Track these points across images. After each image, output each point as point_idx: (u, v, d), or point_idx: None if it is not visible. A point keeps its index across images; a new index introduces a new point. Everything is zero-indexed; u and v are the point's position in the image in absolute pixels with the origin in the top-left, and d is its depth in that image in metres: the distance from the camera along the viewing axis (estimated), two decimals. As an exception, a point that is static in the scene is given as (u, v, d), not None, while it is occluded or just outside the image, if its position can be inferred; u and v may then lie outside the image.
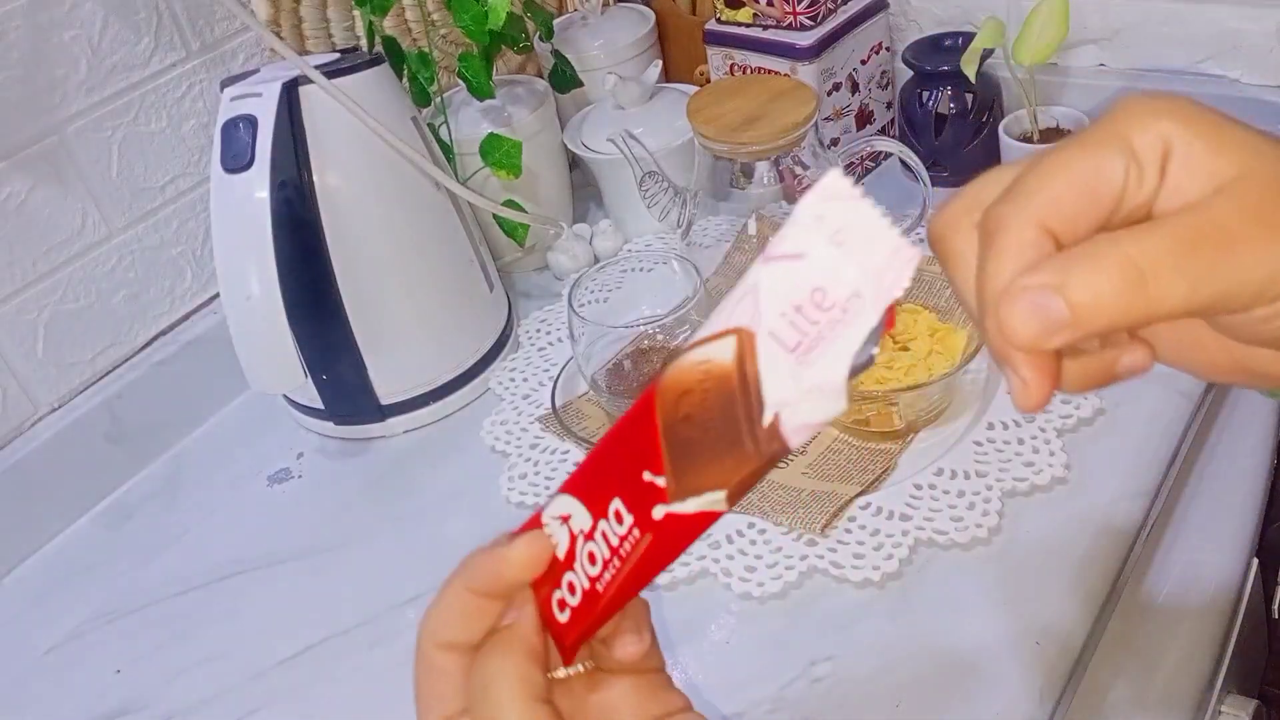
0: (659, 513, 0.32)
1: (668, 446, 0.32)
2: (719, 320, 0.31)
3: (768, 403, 0.30)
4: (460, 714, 0.37)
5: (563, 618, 0.36)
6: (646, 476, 0.32)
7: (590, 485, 0.34)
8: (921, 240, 0.87)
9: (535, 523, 0.36)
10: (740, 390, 0.30)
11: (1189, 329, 0.31)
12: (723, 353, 0.30)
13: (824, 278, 0.29)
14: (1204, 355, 0.32)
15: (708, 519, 0.33)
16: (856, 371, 0.29)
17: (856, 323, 0.28)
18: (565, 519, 0.35)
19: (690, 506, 0.32)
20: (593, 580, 0.34)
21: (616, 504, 0.33)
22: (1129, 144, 0.28)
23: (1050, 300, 0.27)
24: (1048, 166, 0.28)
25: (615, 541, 0.33)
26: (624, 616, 0.36)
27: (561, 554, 0.35)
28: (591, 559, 0.34)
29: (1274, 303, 0.27)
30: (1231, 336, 0.30)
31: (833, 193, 0.29)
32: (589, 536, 0.34)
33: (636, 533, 0.33)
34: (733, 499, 0.32)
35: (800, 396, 0.29)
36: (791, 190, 0.84)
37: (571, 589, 0.35)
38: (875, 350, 0.28)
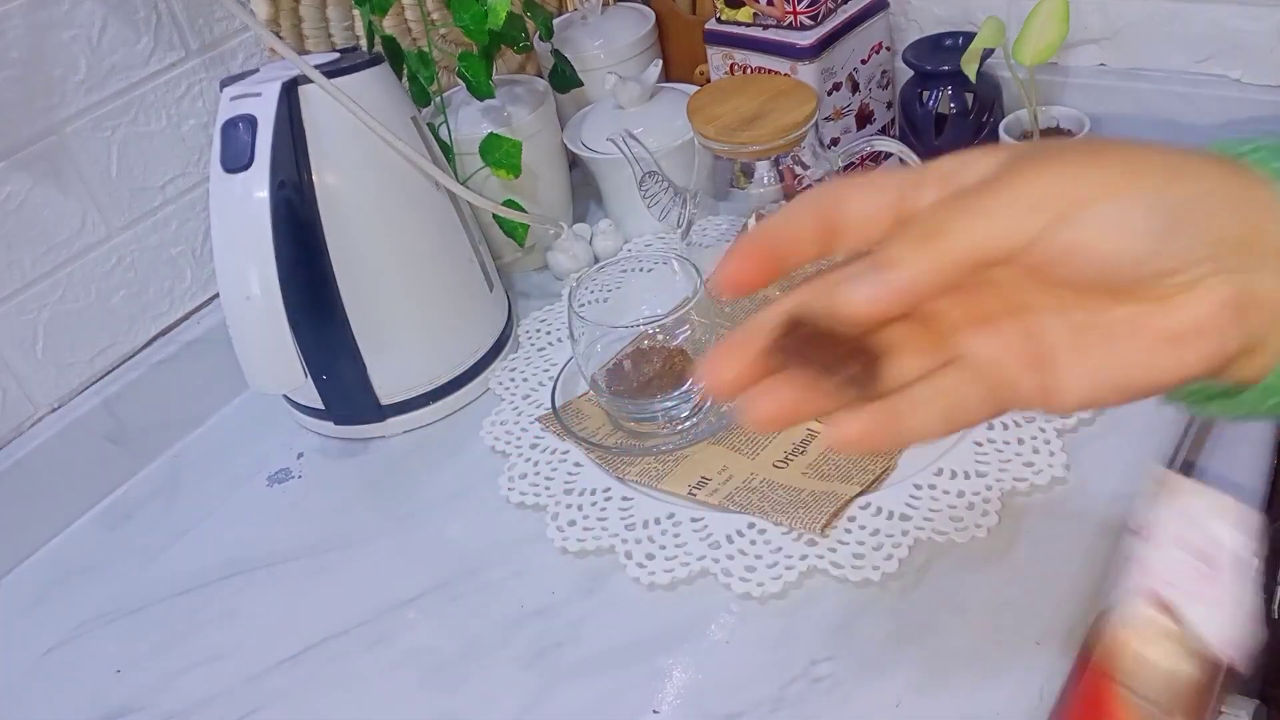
0: None
1: None
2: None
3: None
4: None
5: None
6: None
7: None
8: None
9: None
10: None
11: (1081, 336, 0.34)
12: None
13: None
14: (1120, 348, 0.33)
15: None
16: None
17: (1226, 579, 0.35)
18: None
19: None
20: None
21: None
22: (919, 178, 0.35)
23: (875, 271, 0.32)
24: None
25: None
26: None
27: None
28: None
29: (1065, 219, 0.31)
30: (1085, 279, 0.32)
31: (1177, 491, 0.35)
32: None
33: None
34: None
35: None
36: (791, 190, 0.84)
37: None
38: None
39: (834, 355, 0.34)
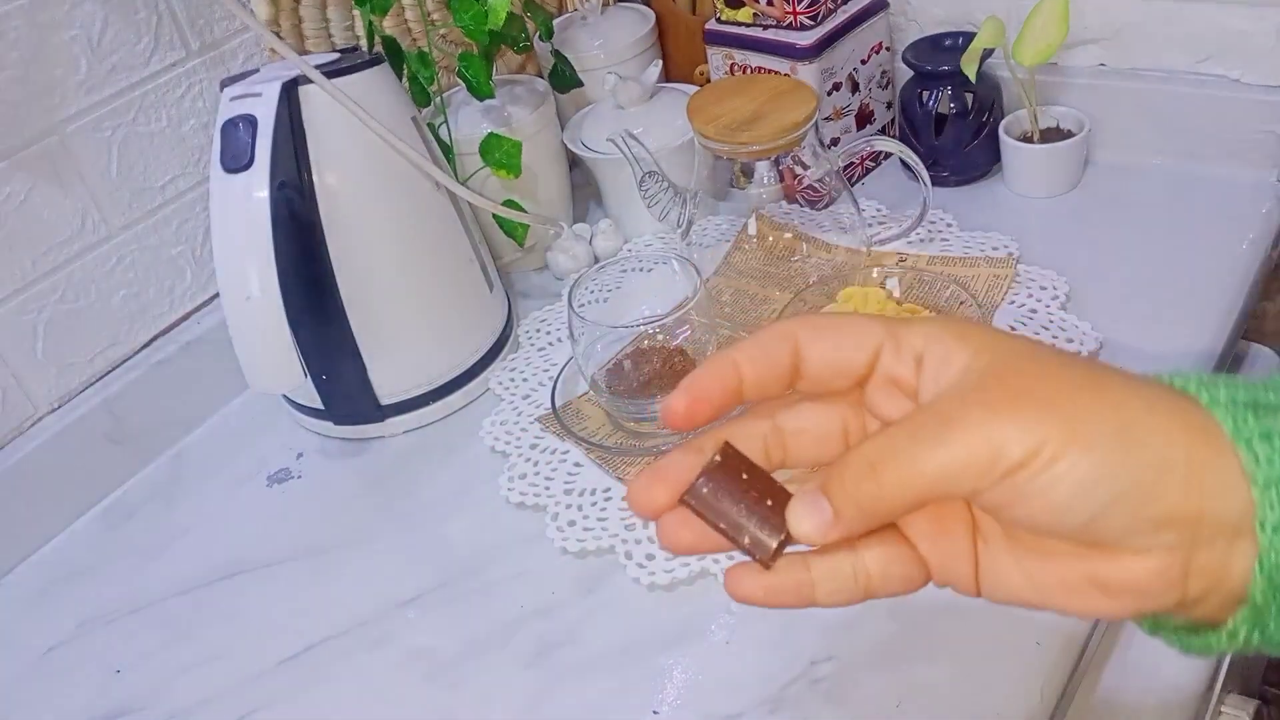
0: None
1: None
2: None
3: None
4: None
5: None
6: None
7: None
8: (920, 240, 0.87)
9: None
10: None
11: (1019, 544, 0.34)
12: None
13: None
14: (1054, 569, 0.33)
15: None
16: None
17: None
18: None
19: None
20: None
21: None
22: (897, 344, 0.34)
23: (818, 502, 0.33)
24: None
25: None
26: None
27: None
28: None
29: (1012, 477, 0.30)
30: (1024, 527, 0.32)
31: None
32: None
33: None
34: None
35: None
36: (791, 190, 0.84)
37: None
38: None
39: (743, 509, 0.34)
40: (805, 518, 0.33)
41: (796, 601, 0.35)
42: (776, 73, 0.93)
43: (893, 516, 0.33)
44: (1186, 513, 0.31)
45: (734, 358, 0.36)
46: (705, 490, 0.34)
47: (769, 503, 0.34)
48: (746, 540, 0.34)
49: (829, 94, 0.94)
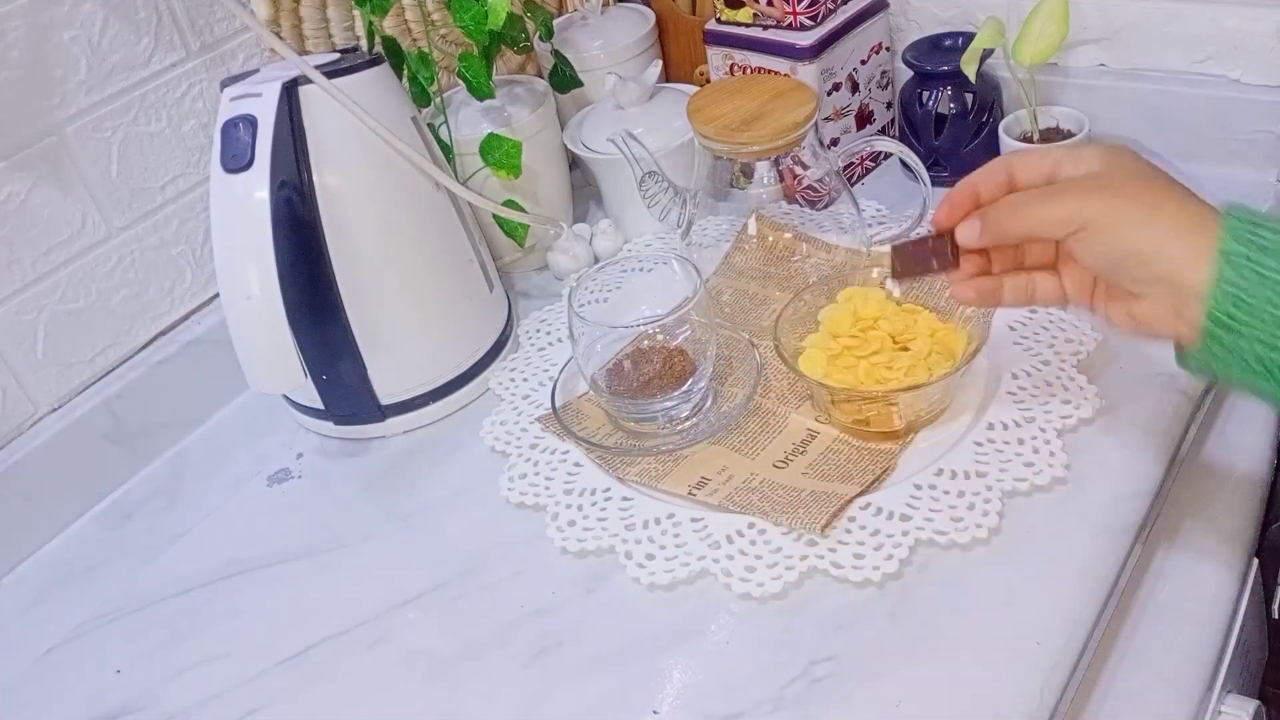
0: None
1: None
2: None
3: None
4: None
5: None
6: None
7: None
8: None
9: None
10: None
11: (1100, 287, 0.57)
12: None
13: None
14: (1117, 304, 0.56)
15: None
16: None
17: None
18: None
19: None
20: None
21: None
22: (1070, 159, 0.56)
23: (974, 222, 0.57)
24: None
25: None
26: None
27: None
28: None
29: (1077, 234, 0.53)
30: (1087, 267, 0.55)
31: None
32: None
33: None
34: None
35: None
36: (791, 190, 0.84)
37: None
38: None
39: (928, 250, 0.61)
40: (966, 228, 0.57)
41: (994, 300, 0.60)
42: (776, 73, 0.93)
43: (1015, 239, 0.57)
44: (1172, 277, 0.51)
45: (971, 180, 0.58)
46: (910, 245, 0.61)
47: (949, 247, 0.59)
48: (934, 263, 0.60)
49: (829, 94, 0.94)
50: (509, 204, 0.89)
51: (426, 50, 0.88)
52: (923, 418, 0.72)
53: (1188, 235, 0.50)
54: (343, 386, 0.81)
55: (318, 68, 0.74)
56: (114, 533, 0.81)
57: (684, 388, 0.74)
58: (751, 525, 0.67)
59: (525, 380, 0.84)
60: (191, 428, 0.89)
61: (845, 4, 0.94)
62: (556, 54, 0.96)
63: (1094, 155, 0.55)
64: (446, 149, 0.89)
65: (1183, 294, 0.50)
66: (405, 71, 0.88)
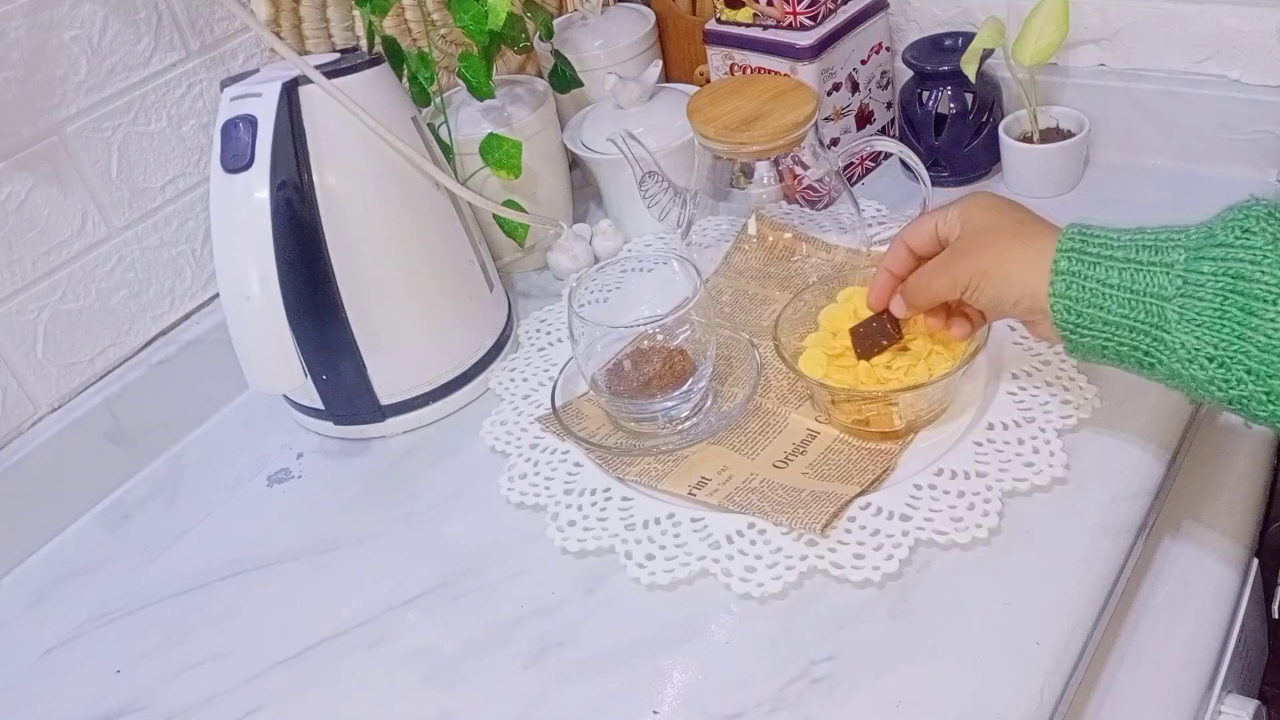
0: None
1: None
2: None
3: None
4: None
5: None
6: None
7: None
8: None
9: None
10: None
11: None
12: None
13: None
14: (1030, 326, 0.65)
15: None
16: None
17: None
18: None
19: None
20: None
21: None
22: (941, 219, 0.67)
23: (899, 300, 0.69)
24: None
25: None
26: None
27: None
28: None
29: (965, 293, 0.64)
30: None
31: None
32: None
33: None
34: None
35: None
36: (791, 190, 0.84)
37: None
38: None
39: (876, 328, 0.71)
40: (895, 306, 0.69)
41: (947, 338, 0.70)
42: (776, 73, 0.93)
43: (931, 306, 0.67)
44: (1034, 305, 0.60)
45: (885, 264, 0.69)
46: (860, 328, 0.71)
47: (888, 323, 0.70)
48: (884, 341, 0.71)
49: (829, 94, 0.94)
50: (509, 204, 0.89)
51: (426, 50, 0.88)
52: (923, 418, 0.72)
53: (1035, 266, 0.60)
54: (343, 386, 0.81)
55: (318, 68, 0.74)
56: (114, 532, 0.81)
57: (684, 388, 0.74)
58: (751, 525, 0.67)
59: (525, 380, 0.84)
60: (191, 428, 0.89)
61: (845, 4, 0.94)
62: (556, 54, 0.96)
63: (956, 216, 0.65)
64: (446, 149, 0.89)
65: (1042, 314, 0.60)
66: (405, 71, 0.88)
